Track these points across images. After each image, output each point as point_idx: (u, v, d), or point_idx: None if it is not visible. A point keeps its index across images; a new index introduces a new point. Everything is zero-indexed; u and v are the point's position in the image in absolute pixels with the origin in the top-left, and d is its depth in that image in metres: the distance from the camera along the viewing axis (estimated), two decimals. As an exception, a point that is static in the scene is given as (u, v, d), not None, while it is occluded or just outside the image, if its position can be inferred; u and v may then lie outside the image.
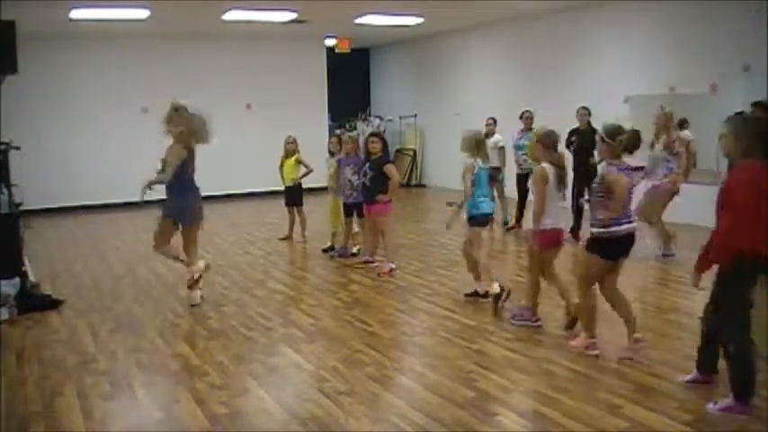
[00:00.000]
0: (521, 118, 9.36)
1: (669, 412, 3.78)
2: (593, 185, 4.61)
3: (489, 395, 4.09)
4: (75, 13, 9.99)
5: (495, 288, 5.69)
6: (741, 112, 7.01)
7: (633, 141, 4.51)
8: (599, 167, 4.72)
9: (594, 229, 4.51)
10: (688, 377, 4.15)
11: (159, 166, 5.94)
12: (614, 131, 4.53)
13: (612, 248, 4.52)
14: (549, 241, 5.11)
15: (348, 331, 5.40)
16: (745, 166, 3.70)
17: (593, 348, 4.67)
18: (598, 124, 8.28)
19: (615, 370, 4.43)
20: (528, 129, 8.91)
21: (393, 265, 7.18)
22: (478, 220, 5.97)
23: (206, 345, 5.16)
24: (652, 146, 7.31)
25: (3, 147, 6.52)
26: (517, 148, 9.23)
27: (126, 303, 6.38)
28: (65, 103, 12.48)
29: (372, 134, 7.63)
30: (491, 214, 6.14)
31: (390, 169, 7.11)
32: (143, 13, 10.33)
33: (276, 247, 8.91)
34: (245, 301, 6.32)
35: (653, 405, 3.87)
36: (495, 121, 9.50)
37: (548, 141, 5.08)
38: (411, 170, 15.71)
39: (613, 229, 4.43)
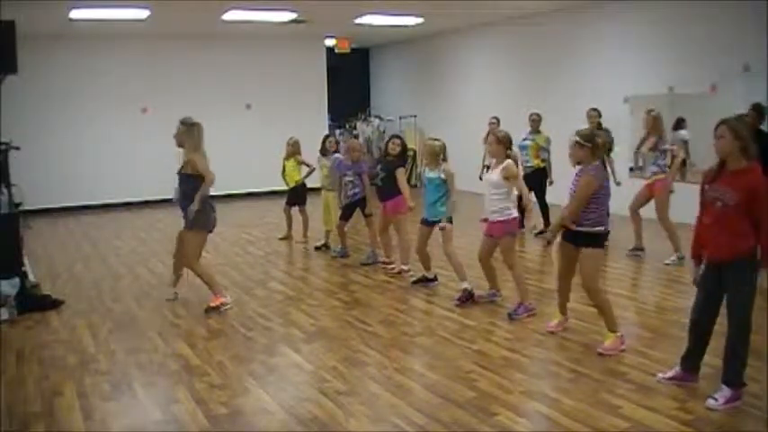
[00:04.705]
0: (530, 119, 9.33)
1: (669, 412, 3.78)
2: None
3: (489, 395, 4.09)
4: (75, 13, 9.98)
5: (429, 274, 6.64)
6: (743, 115, 6.99)
7: (610, 141, 4.73)
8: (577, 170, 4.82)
9: (592, 228, 4.71)
10: (669, 373, 4.20)
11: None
12: (590, 136, 4.80)
13: (605, 239, 4.98)
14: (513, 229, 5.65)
15: (348, 331, 5.40)
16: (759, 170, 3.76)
17: (624, 342, 4.78)
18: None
19: (615, 370, 4.42)
20: (535, 131, 8.95)
21: (406, 267, 7.17)
22: (451, 218, 6.24)
23: (206, 345, 5.16)
24: (640, 145, 7.31)
25: (3, 147, 6.52)
26: (520, 148, 9.20)
27: (126, 303, 6.38)
28: (65, 103, 12.47)
29: (395, 136, 7.68)
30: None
31: (400, 174, 7.11)
32: (143, 13, 10.33)
33: (276, 247, 8.91)
34: (245, 301, 6.32)
35: (653, 405, 3.87)
36: (498, 121, 9.48)
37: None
38: (411, 170, 15.70)
39: (606, 221, 4.84)
